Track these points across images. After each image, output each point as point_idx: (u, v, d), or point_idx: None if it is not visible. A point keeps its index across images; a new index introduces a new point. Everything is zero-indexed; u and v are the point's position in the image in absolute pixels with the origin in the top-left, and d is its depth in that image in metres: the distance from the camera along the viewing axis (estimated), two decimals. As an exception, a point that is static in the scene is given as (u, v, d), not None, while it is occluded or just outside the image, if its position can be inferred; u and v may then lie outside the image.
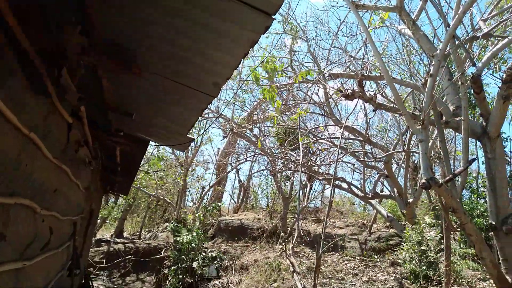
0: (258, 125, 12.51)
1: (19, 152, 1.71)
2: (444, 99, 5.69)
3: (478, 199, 9.37)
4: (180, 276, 9.76)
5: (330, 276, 9.47)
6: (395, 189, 10.20)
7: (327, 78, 7.82)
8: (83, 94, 2.26)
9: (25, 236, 2.08)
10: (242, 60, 2.30)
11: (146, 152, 6.95)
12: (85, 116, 2.59)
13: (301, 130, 9.75)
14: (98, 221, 14.08)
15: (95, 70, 2.27)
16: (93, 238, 11.69)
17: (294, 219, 11.53)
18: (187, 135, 3.88)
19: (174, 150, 14.40)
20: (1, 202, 1.59)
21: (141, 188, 14.56)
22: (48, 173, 2.31)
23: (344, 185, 11.73)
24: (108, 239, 14.82)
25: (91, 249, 11.60)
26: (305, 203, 13.67)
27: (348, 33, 9.53)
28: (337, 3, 7.80)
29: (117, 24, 1.93)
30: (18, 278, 2.06)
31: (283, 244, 10.68)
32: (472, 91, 5.10)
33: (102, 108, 3.02)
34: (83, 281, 6.68)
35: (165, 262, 11.13)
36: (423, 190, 10.25)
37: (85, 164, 3.57)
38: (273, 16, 1.80)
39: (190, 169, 15.30)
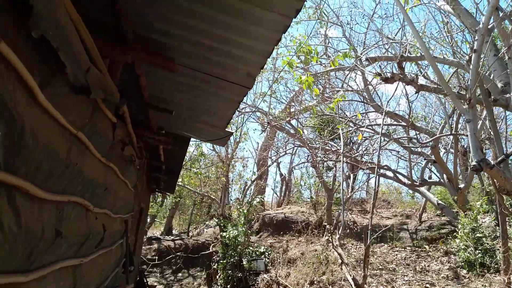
0: (296, 116, 12.37)
1: (68, 151, 1.71)
2: (491, 76, 5.33)
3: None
4: (229, 271, 9.93)
5: (380, 267, 9.20)
6: (444, 175, 9.71)
7: (364, 63, 7.55)
8: (124, 93, 2.30)
9: (80, 234, 2.12)
10: (275, 48, 2.25)
11: (188, 150, 7.09)
12: (128, 115, 2.65)
13: (341, 119, 9.51)
14: (148, 219, 14.63)
15: (133, 68, 2.32)
16: (144, 236, 12.18)
17: (339, 211, 11.31)
18: (226, 129, 3.89)
19: (214, 146, 14.65)
20: (55, 200, 1.62)
21: (186, 186, 14.92)
22: (97, 171, 2.35)
23: (390, 174, 11.34)
24: (159, 236, 15.40)
25: (143, 247, 12.10)
26: (349, 194, 13.36)
27: (383, 15, 9.16)
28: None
29: (148, 18, 1.95)
30: (75, 274, 2.10)
31: (329, 235, 10.52)
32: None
33: (142, 107, 3.10)
34: (138, 278, 6.97)
35: (214, 257, 11.36)
36: (475, 175, 9.67)
37: (131, 163, 3.68)
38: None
39: (231, 165, 15.47)
